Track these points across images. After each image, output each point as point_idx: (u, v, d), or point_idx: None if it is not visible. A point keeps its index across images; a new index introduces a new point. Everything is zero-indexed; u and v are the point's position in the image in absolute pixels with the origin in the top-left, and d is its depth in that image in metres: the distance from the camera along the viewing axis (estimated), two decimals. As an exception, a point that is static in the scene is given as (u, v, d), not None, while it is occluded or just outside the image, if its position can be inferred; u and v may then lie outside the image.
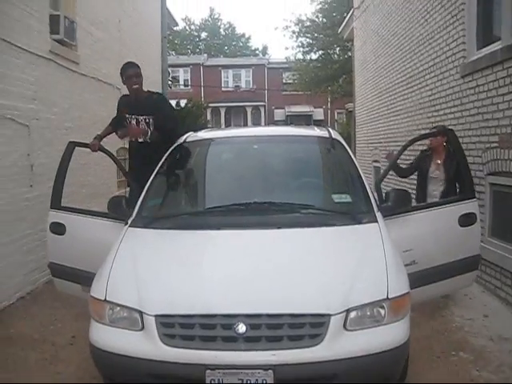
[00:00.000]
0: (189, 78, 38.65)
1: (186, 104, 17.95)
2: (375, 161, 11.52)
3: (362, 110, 13.15)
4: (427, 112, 7.69)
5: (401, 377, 3.28)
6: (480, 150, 5.81)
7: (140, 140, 5.17)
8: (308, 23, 26.37)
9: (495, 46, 5.54)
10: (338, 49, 24.05)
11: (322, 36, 25.20)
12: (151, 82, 11.96)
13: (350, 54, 18.91)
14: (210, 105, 28.72)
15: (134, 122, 5.14)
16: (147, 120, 5.12)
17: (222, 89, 39.06)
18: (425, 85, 7.80)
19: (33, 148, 6.14)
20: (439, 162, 5.70)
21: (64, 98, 7.11)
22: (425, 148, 6.06)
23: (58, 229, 4.37)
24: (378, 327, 2.94)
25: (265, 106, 38.91)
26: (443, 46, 6.98)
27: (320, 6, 25.29)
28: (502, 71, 5.30)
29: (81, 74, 7.68)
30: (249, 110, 38.76)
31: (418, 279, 3.79)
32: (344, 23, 15.51)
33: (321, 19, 25.59)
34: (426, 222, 4.11)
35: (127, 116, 5.17)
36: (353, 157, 4.43)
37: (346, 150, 4.49)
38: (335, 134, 4.75)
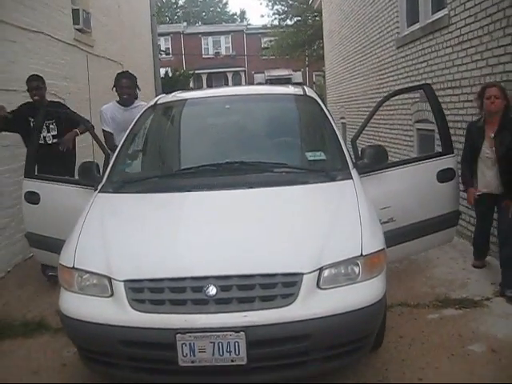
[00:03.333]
0: (170, 46, 39.75)
1: (173, 73, 19.70)
2: (342, 117, 13.40)
3: (331, 73, 14.99)
4: (376, 76, 9.59)
5: (378, 335, 3.24)
6: (409, 104, 7.70)
7: (49, 142, 5.61)
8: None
9: (416, 26, 7.42)
10: (311, 16, 25.58)
11: (296, 3, 26.81)
12: (144, 56, 13.77)
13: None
14: (191, 71, 30.33)
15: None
16: (48, 124, 5.60)
17: (203, 56, 40.26)
18: (374, 54, 9.68)
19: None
20: (492, 135, 4.58)
21: (84, 75, 8.72)
22: (475, 119, 5.00)
23: (33, 198, 4.40)
24: (352, 285, 2.88)
25: (245, 71, 40.28)
26: (385, 23, 8.84)
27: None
28: (419, 45, 7.19)
29: (95, 55, 9.41)
30: (230, 76, 40.12)
31: (396, 236, 3.82)
32: (314, -5, 17.23)
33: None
34: (403, 178, 4.09)
35: (29, 120, 5.54)
36: (328, 114, 4.32)
37: (321, 107, 4.38)
38: (310, 92, 4.66)
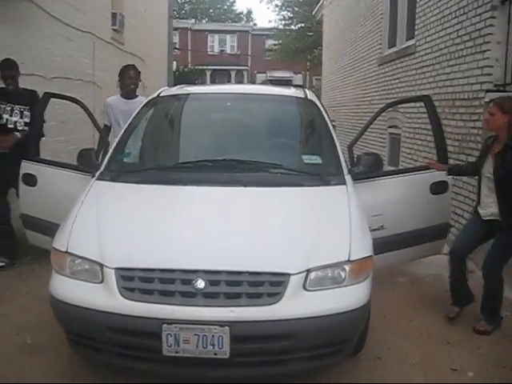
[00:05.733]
0: (177, 41, 41.07)
1: (183, 69, 21.41)
2: (333, 120, 15.04)
3: (326, 80, 16.67)
4: (361, 86, 11.28)
5: (360, 339, 3.33)
6: (385, 112, 9.36)
7: (19, 128, 5.35)
8: (290, -2, 29.79)
9: (393, 49, 9.12)
10: (314, 23, 27.26)
11: (301, 11, 28.52)
12: (161, 52, 15.42)
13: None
14: (197, 67, 31.88)
15: (8, 108, 5.35)
16: (22, 109, 5.39)
17: (208, 52, 41.49)
18: (361, 67, 11.38)
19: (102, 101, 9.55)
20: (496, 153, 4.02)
21: (116, 67, 10.36)
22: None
23: (30, 180, 4.43)
24: (337, 288, 2.95)
25: (248, 70, 41.51)
26: (371, 43, 10.54)
27: (301, -17, 28.65)
28: (394, 65, 8.90)
29: (124, 52, 11.04)
30: (233, 74, 41.27)
31: (385, 244, 3.88)
32: (316, 8, 18.97)
33: (301, -4, 28.94)
34: (396, 187, 4.15)
35: (2, 103, 5.34)
36: (327, 118, 4.35)
37: (321, 111, 4.42)
38: (311, 95, 4.71)
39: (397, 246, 4.13)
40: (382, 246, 3.68)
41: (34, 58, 6.63)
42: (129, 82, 6.00)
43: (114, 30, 10.24)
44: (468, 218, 4.27)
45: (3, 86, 5.41)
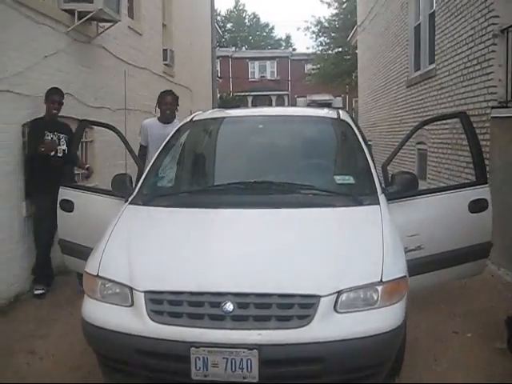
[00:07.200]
0: (219, 68, 42.48)
1: (226, 96, 22.73)
2: (369, 140, 15.92)
3: (362, 102, 17.60)
4: (393, 107, 12.17)
5: (396, 362, 3.24)
6: (413, 130, 10.22)
7: (60, 155, 5.49)
8: (326, 24, 30.89)
9: (418, 73, 10.02)
10: (350, 48, 28.31)
11: (338, 36, 29.59)
12: (205, 82, 16.64)
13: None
14: (239, 94, 33.27)
15: (55, 138, 5.49)
16: (63, 138, 5.59)
17: (249, 79, 42.76)
18: (392, 90, 12.29)
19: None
20: None
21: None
22: None
23: (67, 206, 4.54)
24: (369, 311, 2.89)
25: (288, 94, 42.41)
26: (400, 67, 11.45)
27: (336, 10, 29.77)
28: (420, 87, 9.79)
29: (175, 84, 12.21)
30: (274, 99, 42.11)
31: (423, 265, 3.82)
32: (351, 34, 20.04)
33: (337, 22, 29.99)
34: (433, 206, 4.06)
35: (46, 133, 5.43)
36: (360, 138, 4.33)
37: (354, 131, 4.41)
38: (344, 115, 4.69)
39: (436, 266, 4.06)
40: (420, 266, 3.70)
41: (105, 93, 7.78)
42: (164, 107, 6.28)
43: (166, 64, 11.43)
44: None
45: (39, 116, 5.57)
